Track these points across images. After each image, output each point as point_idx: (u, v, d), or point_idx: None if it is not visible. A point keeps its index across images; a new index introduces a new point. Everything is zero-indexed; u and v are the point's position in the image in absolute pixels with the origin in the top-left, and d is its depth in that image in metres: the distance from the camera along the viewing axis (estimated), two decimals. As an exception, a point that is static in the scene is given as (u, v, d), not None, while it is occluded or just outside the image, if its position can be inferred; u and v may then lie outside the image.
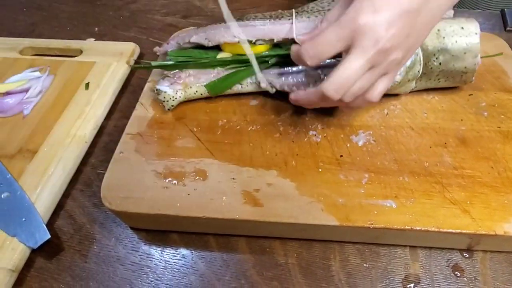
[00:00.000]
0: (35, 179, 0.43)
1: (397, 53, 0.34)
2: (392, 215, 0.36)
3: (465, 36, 0.41)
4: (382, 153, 0.41)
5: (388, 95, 0.45)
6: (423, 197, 0.37)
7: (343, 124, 0.44)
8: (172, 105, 0.46)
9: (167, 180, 0.39)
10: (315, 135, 0.43)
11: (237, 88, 0.46)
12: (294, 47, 0.38)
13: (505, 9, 0.65)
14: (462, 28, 0.41)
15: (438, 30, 0.41)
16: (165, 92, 0.45)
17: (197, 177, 0.39)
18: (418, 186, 0.38)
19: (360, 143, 0.42)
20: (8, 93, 0.51)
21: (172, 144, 0.42)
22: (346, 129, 0.43)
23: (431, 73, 0.43)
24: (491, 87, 0.47)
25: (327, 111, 0.45)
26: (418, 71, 0.42)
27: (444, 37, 0.41)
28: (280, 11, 0.47)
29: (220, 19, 0.64)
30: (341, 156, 0.41)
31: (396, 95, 0.45)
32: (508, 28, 0.62)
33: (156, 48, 0.49)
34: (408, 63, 0.40)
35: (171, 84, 0.45)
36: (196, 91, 0.46)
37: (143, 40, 0.62)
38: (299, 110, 0.45)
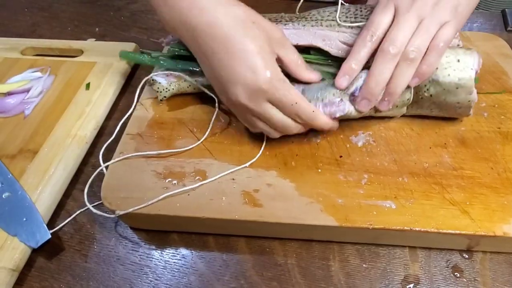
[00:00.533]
0: (36, 179, 0.43)
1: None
2: (392, 216, 0.36)
3: (459, 70, 0.38)
4: (381, 153, 0.41)
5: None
6: (422, 198, 0.37)
7: (342, 125, 0.44)
8: (165, 96, 0.47)
9: (167, 181, 0.39)
10: (315, 135, 0.43)
11: None
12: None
13: (506, 9, 0.65)
14: (458, 60, 0.38)
15: None
16: (159, 83, 0.46)
17: (197, 177, 0.39)
18: (417, 187, 0.38)
19: (360, 144, 0.42)
20: (9, 93, 0.51)
21: (172, 145, 0.42)
22: (345, 130, 0.43)
23: (423, 103, 0.41)
24: (491, 88, 0.47)
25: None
26: (408, 99, 0.40)
27: (437, 68, 0.38)
28: (282, 14, 0.47)
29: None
30: (341, 156, 0.41)
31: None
32: (509, 28, 0.62)
33: (162, 39, 0.50)
34: None
35: (167, 76, 0.46)
36: (189, 86, 0.46)
37: (144, 41, 0.62)
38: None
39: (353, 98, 0.39)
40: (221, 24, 0.36)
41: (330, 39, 0.42)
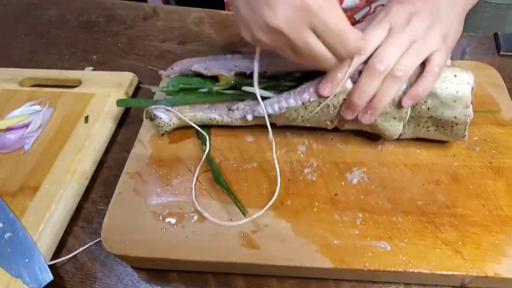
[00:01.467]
0: (37, 217, 0.44)
1: (422, 21, 0.37)
2: (386, 257, 0.37)
3: (456, 83, 0.39)
4: (376, 191, 0.42)
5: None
6: (416, 238, 0.38)
7: (337, 161, 0.45)
8: (166, 131, 0.48)
9: (166, 222, 0.40)
10: (311, 172, 0.44)
11: (227, 120, 0.47)
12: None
13: (499, 33, 0.66)
14: (455, 75, 0.39)
15: None
16: (160, 118, 0.47)
17: (196, 218, 0.40)
18: (411, 226, 0.39)
19: (355, 181, 0.43)
20: (9, 129, 0.52)
21: (170, 184, 0.43)
22: (340, 166, 0.44)
23: (420, 118, 0.42)
24: (483, 121, 0.48)
25: (323, 149, 0.45)
26: (406, 112, 0.41)
27: None
28: None
29: (216, 45, 0.66)
30: (336, 194, 0.42)
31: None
32: (501, 53, 0.63)
33: (161, 72, 0.51)
34: (396, 98, 0.39)
35: (167, 110, 0.47)
36: (189, 120, 0.47)
37: (141, 68, 0.63)
38: (294, 148, 0.46)
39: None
40: None
41: None
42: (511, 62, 0.61)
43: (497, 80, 0.52)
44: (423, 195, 0.41)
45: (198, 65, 0.47)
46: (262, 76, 0.45)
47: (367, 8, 0.69)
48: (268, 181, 0.43)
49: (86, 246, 0.43)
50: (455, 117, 0.40)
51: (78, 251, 0.43)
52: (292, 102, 0.42)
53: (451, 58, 0.44)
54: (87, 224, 0.45)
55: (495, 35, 0.66)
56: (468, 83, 0.39)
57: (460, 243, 0.38)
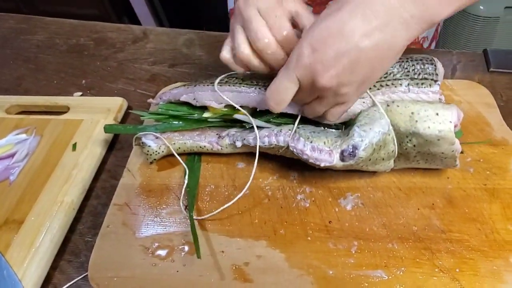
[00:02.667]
0: (22, 252, 0.42)
1: (345, 88, 0.35)
2: (383, 287, 0.36)
3: (438, 123, 0.38)
4: (370, 217, 0.41)
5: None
6: (412, 266, 0.37)
7: (331, 186, 0.44)
8: (155, 159, 0.47)
9: (155, 255, 0.39)
10: (303, 199, 0.43)
11: (216, 148, 0.46)
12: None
13: (488, 49, 0.67)
14: (437, 114, 0.38)
15: (412, 112, 0.39)
16: (149, 146, 0.46)
17: (186, 250, 0.39)
18: (407, 253, 0.38)
19: (349, 207, 0.42)
20: (-6, 159, 0.50)
21: (160, 215, 0.42)
22: (334, 192, 0.43)
23: (408, 154, 0.41)
24: (475, 140, 0.47)
25: (315, 174, 0.45)
26: (393, 151, 0.40)
27: (417, 121, 0.38)
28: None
29: (206, 67, 0.66)
30: (330, 222, 0.41)
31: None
32: (491, 69, 0.63)
33: (150, 100, 0.51)
34: (375, 140, 0.38)
35: (156, 138, 0.46)
36: (179, 148, 0.46)
37: (131, 92, 0.62)
38: (286, 173, 0.45)
39: (342, 157, 0.39)
40: None
41: None
42: (501, 79, 0.61)
43: (488, 99, 0.52)
44: (418, 220, 0.41)
45: (187, 95, 0.46)
46: (253, 110, 0.45)
47: None
48: (260, 208, 0.42)
49: (73, 281, 0.42)
50: (443, 153, 0.40)
51: (64, 287, 0.41)
52: (281, 140, 0.41)
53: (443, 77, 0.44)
54: (74, 258, 0.44)
55: (484, 52, 0.66)
56: (451, 122, 0.38)
57: (457, 270, 0.37)
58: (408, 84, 0.42)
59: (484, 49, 0.67)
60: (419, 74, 0.42)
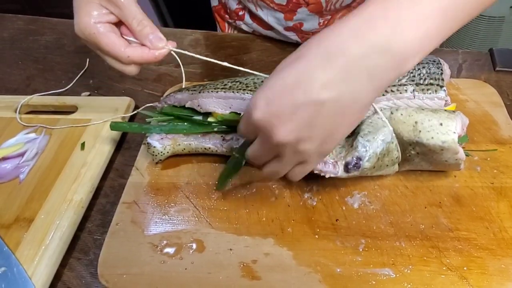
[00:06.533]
0: (32, 250, 0.43)
1: (305, 145, 0.31)
2: (390, 285, 0.36)
3: (442, 133, 0.37)
4: (377, 215, 0.41)
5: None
6: (420, 264, 0.37)
7: (337, 185, 0.44)
8: (160, 159, 0.47)
9: (164, 253, 0.39)
10: (311, 197, 0.43)
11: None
12: None
13: (494, 48, 0.66)
14: (441, 124, 0.38)
15: (416, 122, 0.38)
16: (154, 146, 0.46)
17: (194, 248, 0.39)
18: (415, 251, 0.38)
19: (356, 206, 0.42)
20: (4, 158, 0.51)
21: (168, 213, 0.42)
22: (341, 190, 0.43)
23: (412, 160, 0.41)
24: (482, 139, 0.47)
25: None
26: (397, 157, 0.40)
27: (420, 131, 0.38)
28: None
29: (213, 67, 0.66)
30: (337, 220, 0.41)
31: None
32: (497, 69, 0.63)
33: (156, 104, 0.51)
34: (379, 150, 0.39)
35: (161, 139, 0.46)
36: (184, 149, 0.47)
37: (138, 92, 0.63)
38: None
39: (347, 169, 0.39)
40: None
41: None
42: (507, 78, 0.61)
43: (495, 98, 0.52)
44: (425, 218, 0.41)
45: (191, 102, 0.46)
46: None
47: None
48: (268, 207, 0.42)
49: (82, 279, 0.42)
50: (446, 161, 0.39)
51: (74, 284, 0.42)
52: None
53: (450, 76, 0.44)
54: (84, 255, 0.44)
55: (490, 51, 0.66)
56: (454, 132, 0.38)
57: (465, 268, 0.37)
58: (414, 90, 0.41)
59: (490, 48, 0.67)
60: (425, 79, 0.42)
